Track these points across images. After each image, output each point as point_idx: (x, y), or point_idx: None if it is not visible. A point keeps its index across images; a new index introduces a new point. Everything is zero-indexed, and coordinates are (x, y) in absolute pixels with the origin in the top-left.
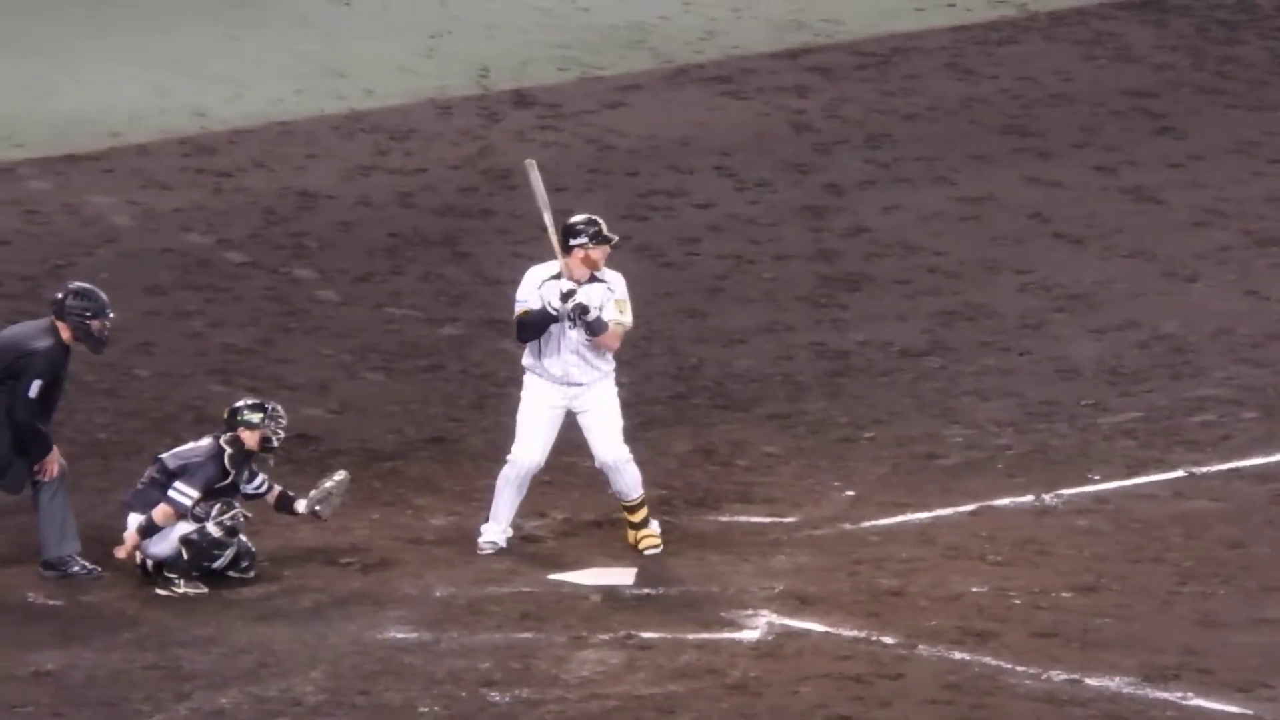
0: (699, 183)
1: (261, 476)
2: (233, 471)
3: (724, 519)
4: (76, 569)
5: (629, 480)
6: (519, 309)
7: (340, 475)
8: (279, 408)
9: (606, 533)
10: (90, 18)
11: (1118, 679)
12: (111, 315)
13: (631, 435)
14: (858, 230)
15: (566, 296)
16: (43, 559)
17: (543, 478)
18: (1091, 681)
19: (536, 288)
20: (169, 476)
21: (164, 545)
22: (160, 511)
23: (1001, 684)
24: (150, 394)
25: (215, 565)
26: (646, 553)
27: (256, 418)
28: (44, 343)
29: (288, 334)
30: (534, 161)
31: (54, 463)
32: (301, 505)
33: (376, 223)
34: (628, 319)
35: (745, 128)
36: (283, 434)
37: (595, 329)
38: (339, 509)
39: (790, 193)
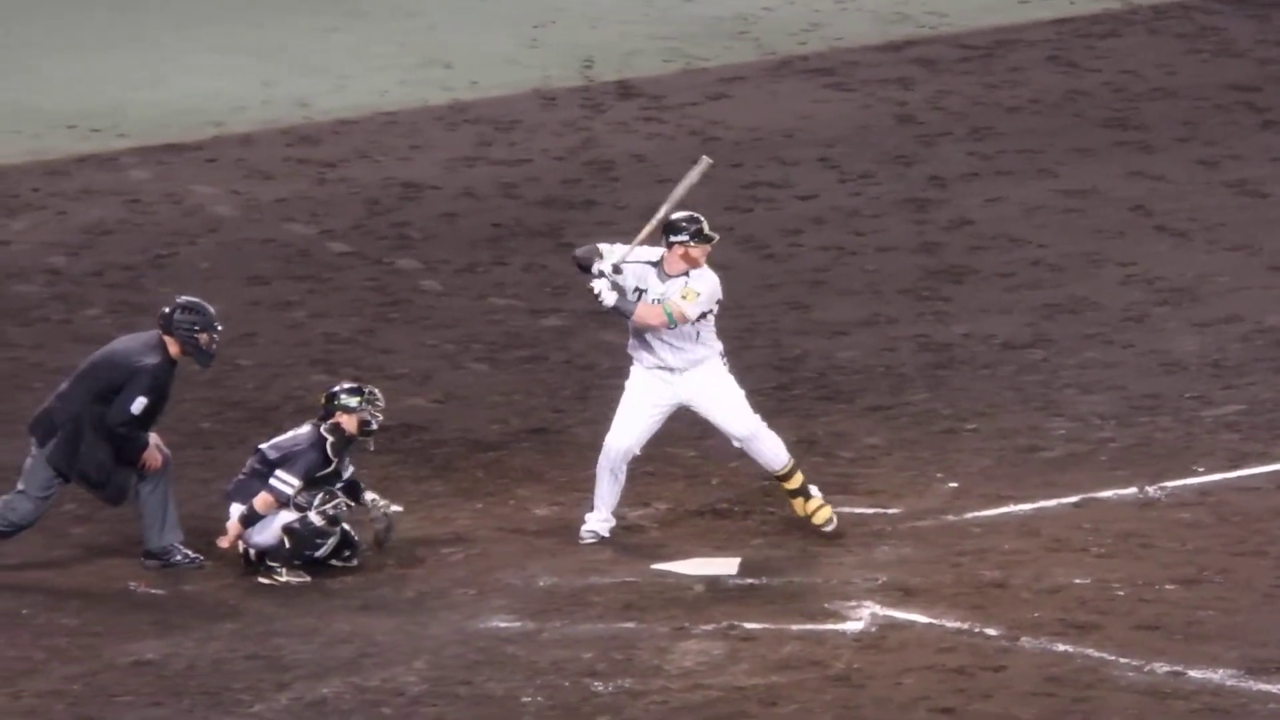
0: (802, 174)
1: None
2: (335, 459)
3: None
4: (179, 558)
5: (769, 451)
6: None
7: (395, 508)
8: (376, 391)
9: (709, 523)
10: (193, 8)
11: (1220, 671)
12: (219, 328)
13: None
14: (960, 222)
15: (598, 273)
16: (145, 549)
17: (645, 468)
18: (1194, 674)
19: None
20: (270, 466)
21: (266, 534)
22: (261, 500)
23: (1104, 676)
24: (252, 384)
25: (318, 554)
26: (824, 529)
27: (354, 401)
28: (152, 359)
29: (390, 324)
30: (710, 162)
31: (155, 456)
32: (368, 499)
33: (480, 213)
34: (686, 306)
35: (848, 120)
36: (381, 416)
37: (622, 310)
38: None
39: (893, 185)
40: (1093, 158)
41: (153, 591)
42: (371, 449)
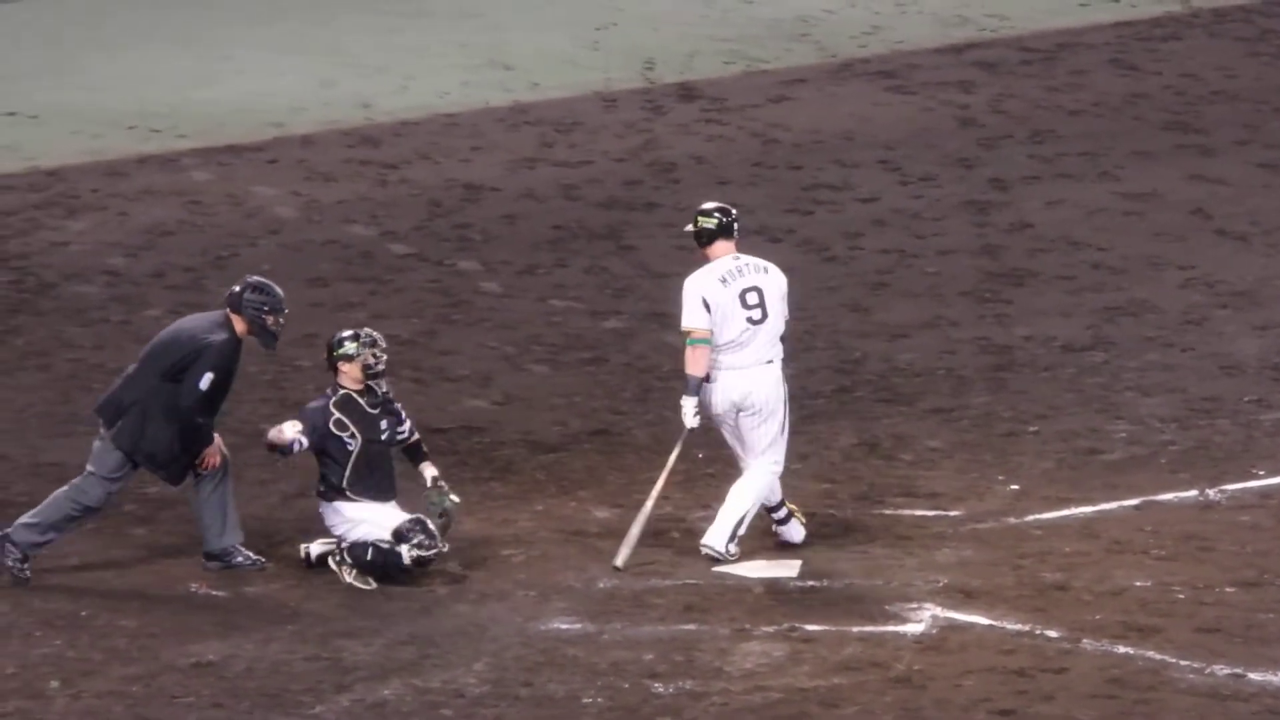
0: (863, 177)
1: (408, 424)
2: (346, 419)
3: (887, 512)
4: (240, 560)
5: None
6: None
7: (453, 498)
8: (372, 331)
9: (770, 524)
10: (253, 8)
11: None
12: (286, 311)
13: (795, 429)
14: (1021, 225)
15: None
16: (205, 550)
17: (706, 470)
18: (1254, 676)
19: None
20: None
21: (359, 533)
22: (273, 432)
23: (1164, 678)
24: (313, 385)
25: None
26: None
27: (352, 348)
28: (218, 336)
29: (451, 326)
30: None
31: (215, 455)
32: (427, 474)
33: (541, 215)
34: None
35: (909, 122)
36: (384, 357)
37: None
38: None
39: (954, 187)
40: (1153, 161)
41: (213, 593)
42: (384, 389)
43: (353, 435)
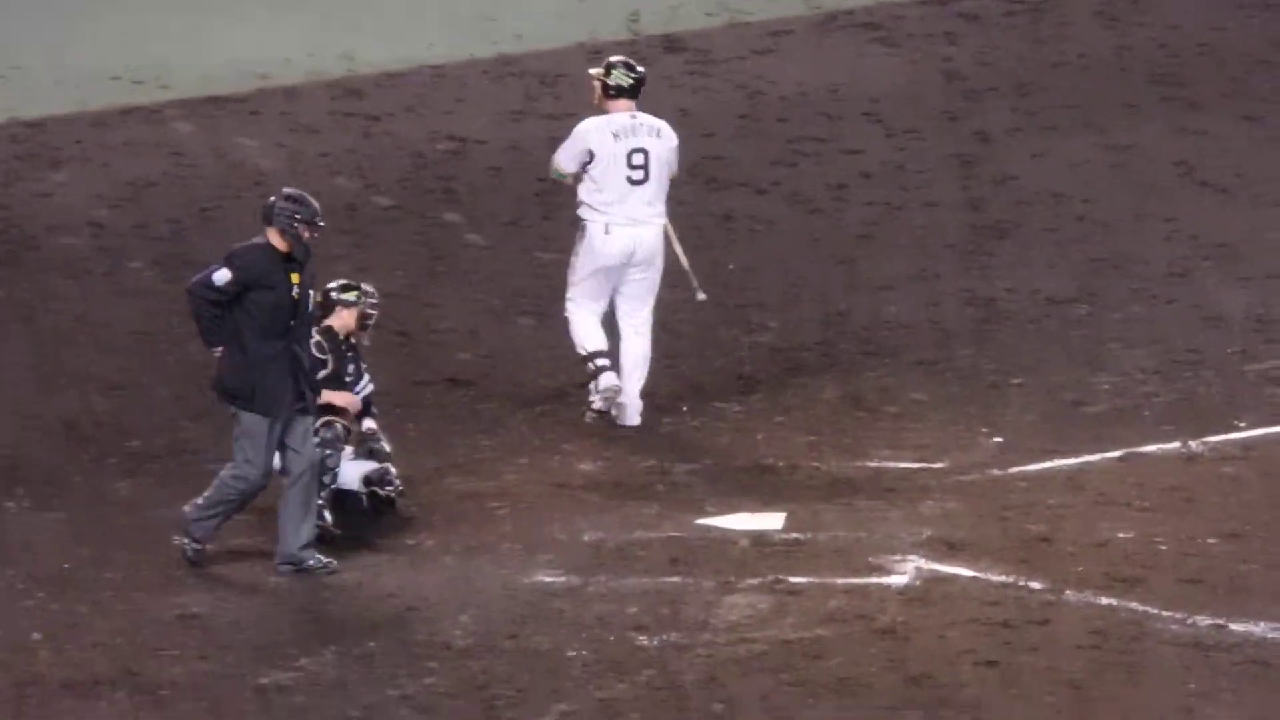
0: (848, 130)
1: (367, 378)
2: (328, 358)
3: (872, 465)
4: (312, 563)
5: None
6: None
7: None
8: (367, 286)
9: (755, 478)
10: None
11: (1263, 624)
12: (322, 224)
13: (781, 381)
14: (1006, 179)
15: None
16: (280, 554)
17: (691, 423)
18: (1237, 627)
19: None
20: None
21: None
22: None
23: (1148, 630)
24: None
25: (339, 484)
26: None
27: (352, 296)
28: (246, 244)
29: (436, 279)
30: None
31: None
32: (365, 426)
33: (526, 168)
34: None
35: (895, 76)
36: (374, 314)
37: None
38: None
39: (939, 140)
40: (1138, 114)
41: (198, 547)
42: (367, 344)
43: (325, 364)
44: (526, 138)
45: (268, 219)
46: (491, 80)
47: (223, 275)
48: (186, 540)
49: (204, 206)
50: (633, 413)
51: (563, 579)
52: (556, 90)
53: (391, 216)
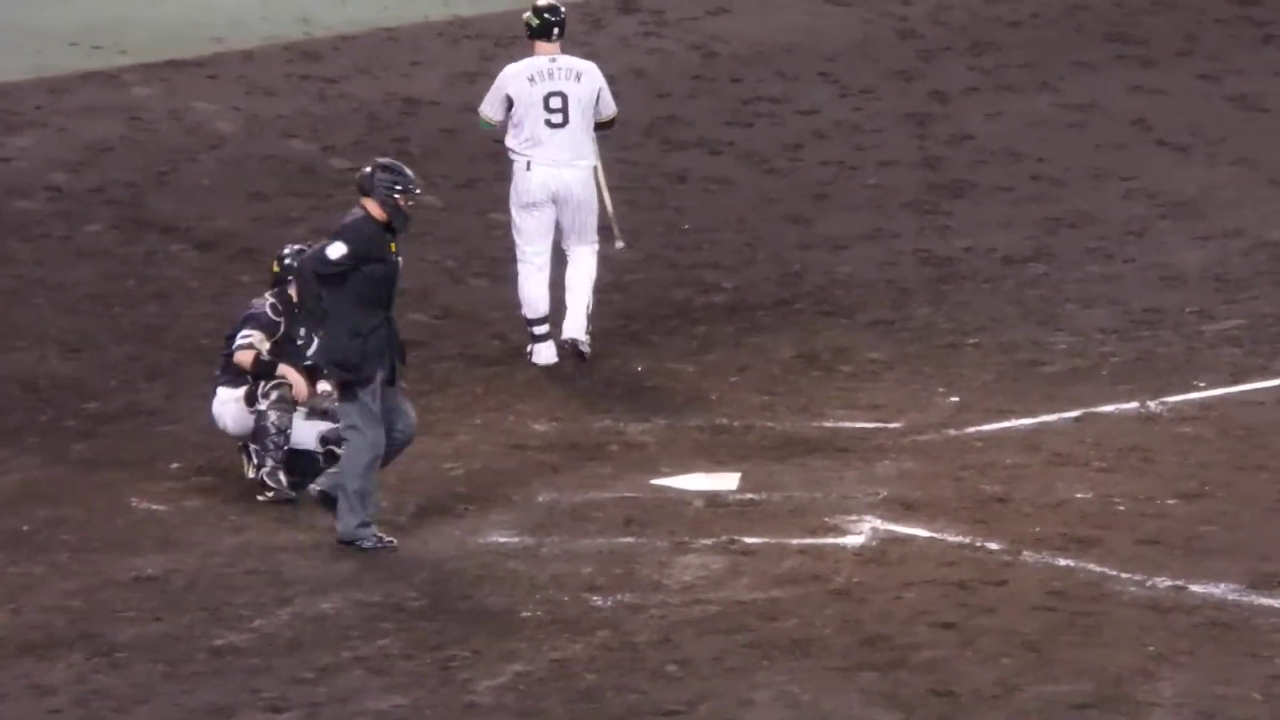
0: (803, 89)
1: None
2: (281, 320)
3: (827, 425)
4: (371, 543)
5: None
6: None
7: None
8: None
9: (710, 438)
10: None
11: (1223, 586)
12: (418, 191)
13: (736, 340)
14: (962, 137)
15: None
16: (340, 532)
17: (646, 383)
18: (1196, 588)
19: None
20: (229, 340)
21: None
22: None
23: (1106, 591)
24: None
25: (295, 444)
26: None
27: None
28: (352, 218)
29: None
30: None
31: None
32: (320, 388)
33: (480, 130)
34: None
35: (849, 34)
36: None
37: None
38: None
39: (894, 99)
40: (1094, 72)
41: (154, 508)
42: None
43: (279, 326)
44: (480, 99)
45: (365, 190)
46: (446, 42)
47: (337, 249)
48: (370, 543)
49: (161, 169)
50: (570, 328)
51: (517, 539)
52: (510, 52)
53: (347, 178)
